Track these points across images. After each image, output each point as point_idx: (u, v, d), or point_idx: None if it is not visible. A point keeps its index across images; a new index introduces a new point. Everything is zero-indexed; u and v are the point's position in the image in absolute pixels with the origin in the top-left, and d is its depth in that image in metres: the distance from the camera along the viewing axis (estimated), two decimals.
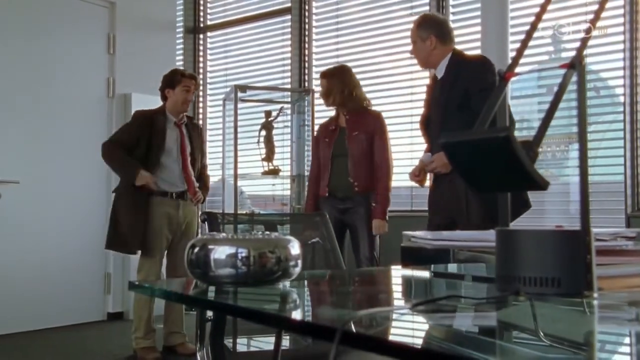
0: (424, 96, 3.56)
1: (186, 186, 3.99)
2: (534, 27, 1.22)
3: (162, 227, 3.89)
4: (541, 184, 1.01)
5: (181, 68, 4.48)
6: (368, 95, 5.23)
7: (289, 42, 5.75)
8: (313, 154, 4.13)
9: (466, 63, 3.23)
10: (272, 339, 1.87)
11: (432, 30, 3.26)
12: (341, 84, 3.97)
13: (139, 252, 3.91)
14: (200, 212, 4.11)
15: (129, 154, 3.88)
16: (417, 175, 3.26)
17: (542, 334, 0.89)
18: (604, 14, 1.41)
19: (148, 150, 3.88)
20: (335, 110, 4.07)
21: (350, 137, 3.88)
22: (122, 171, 3.94)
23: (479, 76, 3.09)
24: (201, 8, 6.41)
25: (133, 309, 4.03)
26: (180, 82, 3.98)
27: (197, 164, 4.09)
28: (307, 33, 5.68)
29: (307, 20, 5.69)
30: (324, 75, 4.06)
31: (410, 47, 3.40)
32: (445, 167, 3.13)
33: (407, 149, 4.95)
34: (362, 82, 5.27)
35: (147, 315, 3.88)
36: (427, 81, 3.46)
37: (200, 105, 6.35)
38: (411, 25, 3.40)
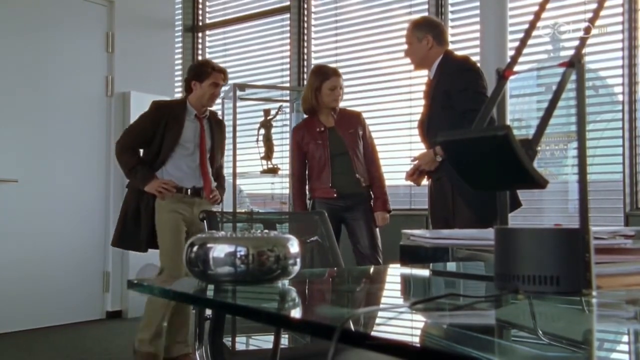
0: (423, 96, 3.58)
1: (202, 183, 3.66)
2: (533, 26, 1.22)
3: (178, 224, 3.56)
4: (540, 183, 1.01)
5: (212, 60, 4.04)
6: (367, 94, 5.27)
7: (287, 41, 5.75)
8: (296, 157, 3.98)
9: (449, 64, 3.27)
10: (271, 338, 1.87)
11: (428, 31, 3.30)
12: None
13: (154, 250, 3.60)
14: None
15: (144, 148, 3.65)
16: (412, 174, 3.29)
17: (540, 332, 0.90)
18: (602, 13, 1.41)
19: (162, 143, 3.58)
20: (311, 112, 3.94)
21: (346, 135, 3.87)
22: (130, 178, 3.63)
23: (457, 76, 3.17)
24: (200, 6, 6.41)
25: (145, 308, 3.65)
26: (210, 76, 3.62)
27: (215, 161, 3.78)
28: (306, 32, 5.68)
29: (306, 19, 5.69)
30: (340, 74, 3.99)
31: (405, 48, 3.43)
32: (429, 165, 3.17)
33: (406, 147, 4.95)
34: (360, 81, 5.31)
35: (159, 319, 3.52)
36: (426, 80, 3.49)
37: None
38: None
